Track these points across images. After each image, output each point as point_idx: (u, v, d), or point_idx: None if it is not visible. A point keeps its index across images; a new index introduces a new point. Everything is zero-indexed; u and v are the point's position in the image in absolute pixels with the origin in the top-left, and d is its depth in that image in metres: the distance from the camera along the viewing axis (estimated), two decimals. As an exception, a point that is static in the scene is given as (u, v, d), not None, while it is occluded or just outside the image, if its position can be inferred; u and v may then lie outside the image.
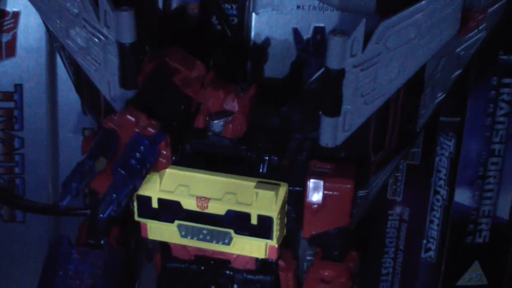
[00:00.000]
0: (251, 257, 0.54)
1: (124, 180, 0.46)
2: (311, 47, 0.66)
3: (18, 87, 0.68)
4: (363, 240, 0.75)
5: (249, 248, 0.52)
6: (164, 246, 0.56)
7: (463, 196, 0.77)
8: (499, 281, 0.80)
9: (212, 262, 0.55)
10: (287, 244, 0.56)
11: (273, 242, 0.51)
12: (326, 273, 0.53)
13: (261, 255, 0.53)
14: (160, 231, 0.53)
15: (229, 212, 0.51)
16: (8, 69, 0.67)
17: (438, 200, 0.77)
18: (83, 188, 0.45)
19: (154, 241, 0.59)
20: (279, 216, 0.51)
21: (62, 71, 0.67)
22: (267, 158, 0.53)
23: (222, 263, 0.55)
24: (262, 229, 0.51)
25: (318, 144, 0.53)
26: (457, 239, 0.78)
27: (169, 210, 0.52)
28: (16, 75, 0.68)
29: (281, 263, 0.56)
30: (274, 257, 0.53)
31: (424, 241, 0.78)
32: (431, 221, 0.78)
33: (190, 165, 0.52)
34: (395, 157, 0.55)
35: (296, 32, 0.66)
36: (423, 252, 0.79)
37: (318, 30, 0.66)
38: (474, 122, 0.74)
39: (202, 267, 0.56)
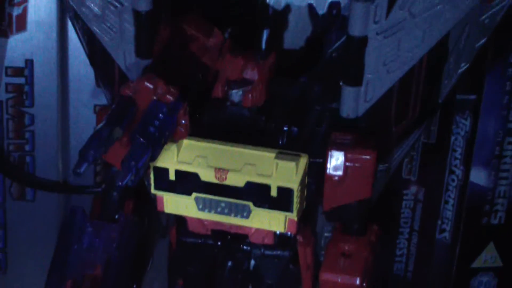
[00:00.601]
0: (269, 232, 0.53)
1: (143, 148, 0.45)
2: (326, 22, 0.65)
3: (29, 62, 0.67)
4: (378, 220, 0.74)
5: (268, 221, 0.51)
6: (180, 221, 0.55)
7: (479, 176, 0.76)
8: (514, 263, 0.79)
9: (229, 237, 0.54)
10: (306, 219, 0.55)
11: (293, 215, 0.50)
12: (346, 247, 0.52)
13: (280, 228, 0.51)
14: (177, 204, 0.52)
15: (248, 183, 0.50)
16: (19, 43, 0.66)
17: (453, 180, 0.76)
18: (100, 156, 0.44)
19: (169, 217, 0.59)
20: (299, 188, 0.49)
21: (73, 46, 0.66)
22: (286, 128, 0.52)
23: (240, 237, 0.54)
24: (282, 201, 0.50)
25: (338, 115, 0.52)
26: (472, 220, 0.77)
27: (187, 182, 0.50)
28: (27, 50, 0.66)
29: (299, 238, 0.55)
30: (293, 231, 0.52)
31: (439, 222, 0.77)
32: (446, 202, 0.77)
33: (208, 136, 0.51)
34: (417, 129, 0.54)
35: (311, 7, 0.65)
36: (438, 233, 0.78)
37: (334, 5, 0.65)
38: (490, 101, 0.73)
39: (219, 242, 0.55)
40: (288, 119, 0.52)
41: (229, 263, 0.55)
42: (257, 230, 0.53)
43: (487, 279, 0.80)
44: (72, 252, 0.51)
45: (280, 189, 0.49)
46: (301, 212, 0.51)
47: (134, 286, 0.55)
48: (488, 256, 0.79)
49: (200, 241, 0.55)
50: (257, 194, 0.50)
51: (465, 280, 0.80)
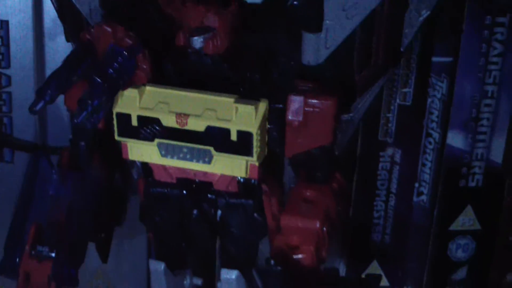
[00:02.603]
0: (233, 179, 0.54)
1: (99, 88, 0.45)
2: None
3: (4, 23, 0.68)
4: (354, 182, 0.75)
5: (230, 166, 0.52)
6: (147, 171, 0.56)
7: (456, 139, 0.76)
8: (492, 226, 0.79)
9: (194, 185, 0.55)
10: (271, 169, 0.56)
11: (254, 159, 0.51)
12: (308, 193, 0.52)
13: (241, 174, 0.52)
14: (141, 151, 0.53)
15: (208, 128, 0.50)
16: (-7, 5, 0.67)
17: (430, 143, 0.76)
18: (56, 96, 0.45)
19: (138, 172, 0.59)
20: (258, 131, 0.50)
21: (48, 6, 0.67)
22: (249, 75, 0.52)
23: (205, 186, 0.55)
24: (242, 145, 0.50)
25: (301, 64, 0.52)
26: (449, 183, 0.77)
27: (149, 128, 0.51)
28: (2, 11, 0.67)
29: (264, 187, 0.55)
30: (255, 176, 0.52)
31: (416, 185, 0.78)
32: (423, 165, 0.77)
33: (171, 84, 0.52)
34: (380, 78, 0.55)
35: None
36: (415, 196, 0.78)
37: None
38: (467, 63, 0.73)
39: (185, 191, 0.55)
40: (251, 67, 0.53)
41: (195, 212, 0.56)
42: (221, 177, 0.54)
43: (465, 242, 0.80)
44: (35, 198, 0.51)
45: (240, 133, 0.50)
46: (262, 157, 0.52)
47: (102, 235, 0.55)
48: (466, 219, 0.79)
49: (166, 190, 0.56)
50: (218, 138, 0.50)
51: (444, 243, 0.80)
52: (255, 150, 0.50)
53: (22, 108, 0.70)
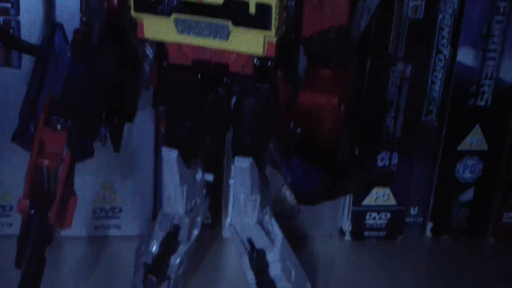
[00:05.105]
0: (248, 59, 0.53)
1: None
2: None
3: None
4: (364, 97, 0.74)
5: (247, 43, 0.51)
6: (161, 56, 0.55)
7: (466, 56, 0.76)
8: (499, 147, 0.79)
9: (209, 68, 0.54)
10: (286, 58, 0.55)
11: (272, 34, 0.50)
12: (326, 74, 0.52)
13: (259, 50, 0.51)
14: (157, 28, 0.52)
15: (227, 1, 0.50)
16: None
17: (440, 60, 0.76)
18: None
19: (150, 64, 0.59)
20: (277, 4, 0.49)
21: None
22: None
23: (220, 68, 0.54)
24: (260, 18, 0.50)
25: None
26: (458, 102, 0.77)
27: (166, 2, 0.50)
28: None
29: (279, 72, 0.55)
30: (272, 54, 0.52)
31: (426, 103, 0.77)
32: (433, 82, 0.77)
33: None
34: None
35: None
36: (424, 115, 0.78)
37: None
38: (478, -22, 0.73)
39: (200, 75, 0.55)
40: None
41: (210, 96, 0.55)
42: (237, 57, 0.53)
43: (473, 163, 0.80)
44: (49, 72, 0.51)
45: (259, 6, 0.49)
46: (280, 34, 0.51)
47: (115, 120, 0.55)
48: (474, 139, 0.79)
49: (181, 75, 0.55)
50: (236, 11, 0.50)
51: (451, 164, 0.80)
52: (274, 23, 0.49)
53: (30, 11, 0.69)
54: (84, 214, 0.77)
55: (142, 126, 0.71)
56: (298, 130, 0.48)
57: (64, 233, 0.79)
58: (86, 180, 0.74)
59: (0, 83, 0.71)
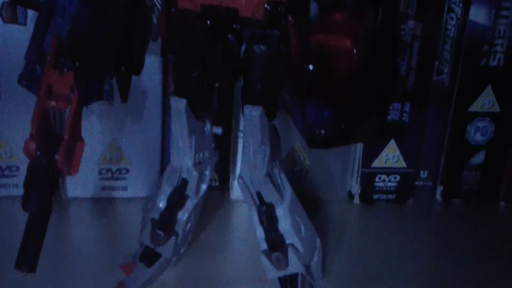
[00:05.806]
0: (259, 3, 0.52)
1: None
2: None
3: None
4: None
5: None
6: (169, 1, 0.54)
7: (478, 14, 0.75)
8: (511, 109, 0.78)
9: (219, 14, 0.53)
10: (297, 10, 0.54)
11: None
12: (337, 15, 0.50)
13: (270, -8, 0.50)
14: (166, -30, 0.51)
15: None
16: None
17: (452, 19, 0.75)
18: None
19: (159, 14, 0.58)
20: None
21: None
22: None
23: (230, 13, 0.53)
24: (272, -40, 0.49)
25: None
26: (470, 61, 0.76)
27: None
28: None
29: (291, 19, 0.54)
30: (283, -2, 0.50)
31: (437, 63, 0.76)
32: (445, 42, 0.75)
33: None
34: None
35: None
36: (435, 75, 0.77)
37: None
38: None
39: (209, 22, 0.54)
40: None
41: (220, 44, 0.54)
42: (247, 1, 0.52)
43: (484, 125, 0.79)
44: (57, 14, 0.50)
45: None
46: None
47: (123, 68, 0.54)
48: (486, 101, 0.78)
49: (190, 21, 0.54)
50: (247, -48, 0.49)
51: (462, 126, 0.79)
52: (286, -36, 0.49)
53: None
54: (91, 175, 0.76)
55: (150, 76, 0.70)
56: (311, 67, 0.46)
57: (70, 194, 0.79)
58: (93, 140, 0.74)
59: (7, 40, 0.71)
